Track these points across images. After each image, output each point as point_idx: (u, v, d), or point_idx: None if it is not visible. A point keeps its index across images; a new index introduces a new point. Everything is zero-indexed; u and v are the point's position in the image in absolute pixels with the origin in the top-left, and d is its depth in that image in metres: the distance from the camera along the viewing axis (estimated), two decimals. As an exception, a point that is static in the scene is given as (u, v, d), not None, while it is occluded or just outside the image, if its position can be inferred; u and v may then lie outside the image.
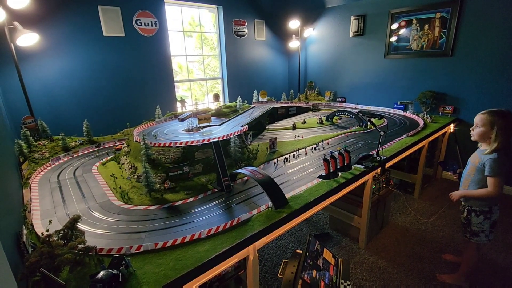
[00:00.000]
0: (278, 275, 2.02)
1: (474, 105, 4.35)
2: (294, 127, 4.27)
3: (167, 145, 2.55)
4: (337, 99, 6.18)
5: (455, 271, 2.70)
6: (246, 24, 6.18)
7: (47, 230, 1.57)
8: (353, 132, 3.98)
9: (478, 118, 2.28)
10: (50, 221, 1.90)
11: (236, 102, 4.46)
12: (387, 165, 3.01)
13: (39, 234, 1.79)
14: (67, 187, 2.54)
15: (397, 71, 5.17)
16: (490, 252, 3.03)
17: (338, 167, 2.62)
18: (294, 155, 3.13)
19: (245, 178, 2.58)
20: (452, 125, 4.49)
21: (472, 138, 2.36)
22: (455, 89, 4.53)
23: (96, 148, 3.58)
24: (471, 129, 2.36)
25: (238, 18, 6.03)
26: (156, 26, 4.78)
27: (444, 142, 4.62)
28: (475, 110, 2.37)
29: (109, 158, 3.19)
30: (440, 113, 4.68)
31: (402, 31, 4.93)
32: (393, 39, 5.07)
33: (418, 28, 4.74)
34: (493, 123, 2.18)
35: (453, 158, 4.66)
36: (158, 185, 2.32)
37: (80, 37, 4.10)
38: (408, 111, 4.85)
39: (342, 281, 2.04)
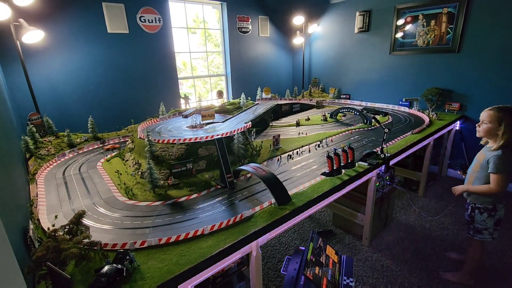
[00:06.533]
0: (281, 271, 2.02)
1: (481, 102, 4.28)
2: (297, 124, 4.25)
3: (171, 141, 2.56)
4: (342, 96, 6.14)
5: (459, 269, 2.69)
6: (250, 20, 6.15)
7: (53, 225, 1.59)
8: (357, 129, 3.95)
9: (485, 115, 2.24)
10: (56, 216, 1.93)
11: (240, 99, 4.45)
12: (392, 162, 2.99)
13: (45, 229, 1.82)
14: (72, 183, 2.57)
15: (403, 67, 5.11)
16: (496, 251, 3.01)
17: (342, 164, 2.61)
18: (297, 152, 3.13)
19: (248, 175, 2.59)
20: (458, 122, 4.44)
21: (478, 135, 2.34)
22: (462, 86, 4.47)
23: (101, 145, 3.61)
24: (477, 125, 2.33)
25: (242, 15, 6.00)
26: (160, 22, 4.78)
27: (450, 140, 4.57)
28: (482, 107, 2.33)
29: (113, 154, 3.22)
30: (446, 110, 4.62)
31: (408, 27, 4.86)
32: (399, 35, 5.00)
33: (425, 23, 4.67)
34: (500, 120, 2.15)
35: (461, 157, 4.62)
36: (162, 182, 2.34)
37: (84, 34, 4.12)
38: (413, 108, 4.80)
39: (345, 278, 2.04)
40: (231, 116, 3.75)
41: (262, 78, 6.65)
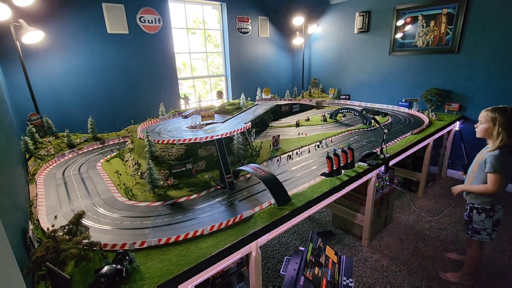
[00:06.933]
0: (281, 272, 2.03)
1: (481, 103, 4.28)
2: (297, 125, 4.25)
3: (170, 142, 2.56)
4: (341, 97, 6.14)
5: (459, 270, 2.69)
6: (249, 21, 6.15)
7: (53, 225, 1.59)
8: (356, 130, 3.95)
9: (482, 115, 2.27)
10: (55, 217, 1.93)
11: (240, 100, 4.45)
12: (391, 163, 2.99)
13: (45, 229, 1.82)
14: (72, 183, 2.57)
15: (402, 68, 5.12)
16: (495, 251, 3.01)
17: (342, 164, 2.61)
18: (297, 152, 3.13)
19: (248, 175, 2.59)
20: (457, 123, 4.44)
21: (477, 135, 2.35)
22: (461, 87, 4.47)
23: (101, 145, 3.61)
24: (475, 126, 2.35)
25: (242, 15, 6.00)
26: (160, 23, 4.79)
27: (449, 140, 4.58)
28: (482, 108, 2.34)
29: (113, 154, 3.22)
30: (446, 110, 4.62)
31: (408, 27, 4.87)
32: (399, 35, 5.01)
33: (424, 24, 4.68)
34: (495, 120, 2.17)
35: (460, 158, 4.63)
36: (162, 182, 2.34)
37: (84, 34, 4.12)
38: (413, 109, 4.80)
39: (345, 278, 2.04)
40: (231, 116, 3.75)
41: (262, 79, 6.66)
